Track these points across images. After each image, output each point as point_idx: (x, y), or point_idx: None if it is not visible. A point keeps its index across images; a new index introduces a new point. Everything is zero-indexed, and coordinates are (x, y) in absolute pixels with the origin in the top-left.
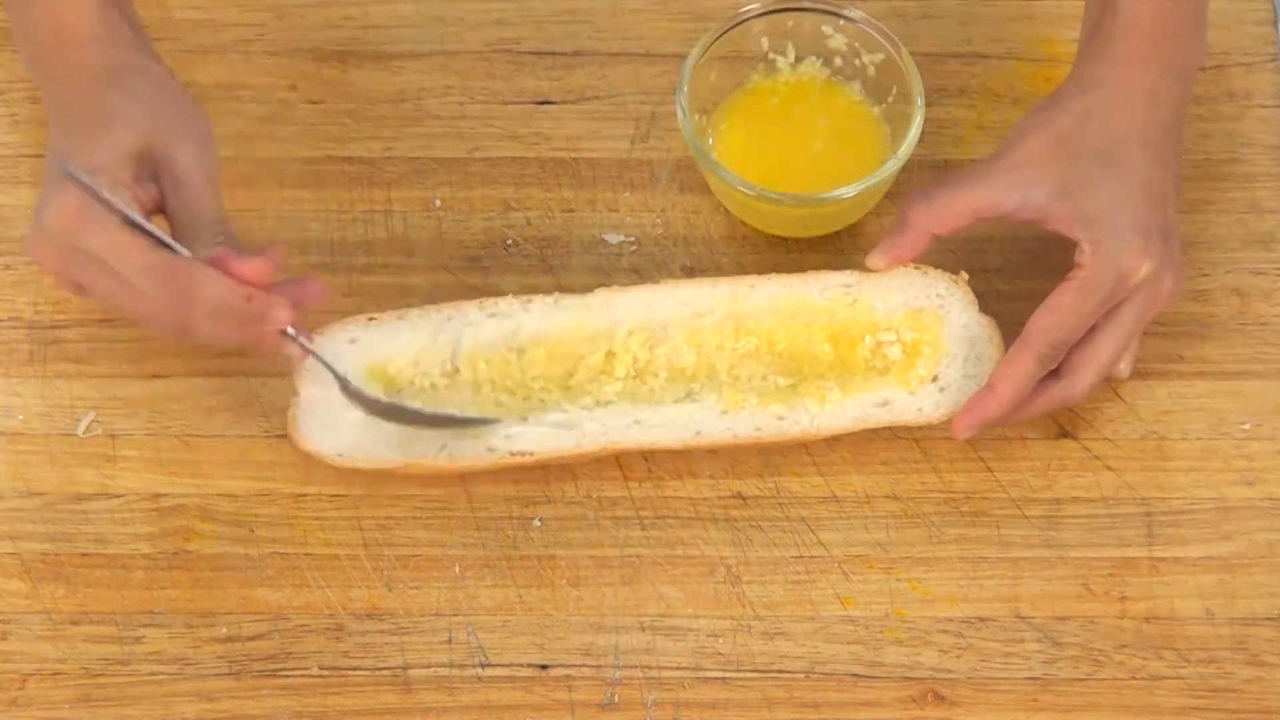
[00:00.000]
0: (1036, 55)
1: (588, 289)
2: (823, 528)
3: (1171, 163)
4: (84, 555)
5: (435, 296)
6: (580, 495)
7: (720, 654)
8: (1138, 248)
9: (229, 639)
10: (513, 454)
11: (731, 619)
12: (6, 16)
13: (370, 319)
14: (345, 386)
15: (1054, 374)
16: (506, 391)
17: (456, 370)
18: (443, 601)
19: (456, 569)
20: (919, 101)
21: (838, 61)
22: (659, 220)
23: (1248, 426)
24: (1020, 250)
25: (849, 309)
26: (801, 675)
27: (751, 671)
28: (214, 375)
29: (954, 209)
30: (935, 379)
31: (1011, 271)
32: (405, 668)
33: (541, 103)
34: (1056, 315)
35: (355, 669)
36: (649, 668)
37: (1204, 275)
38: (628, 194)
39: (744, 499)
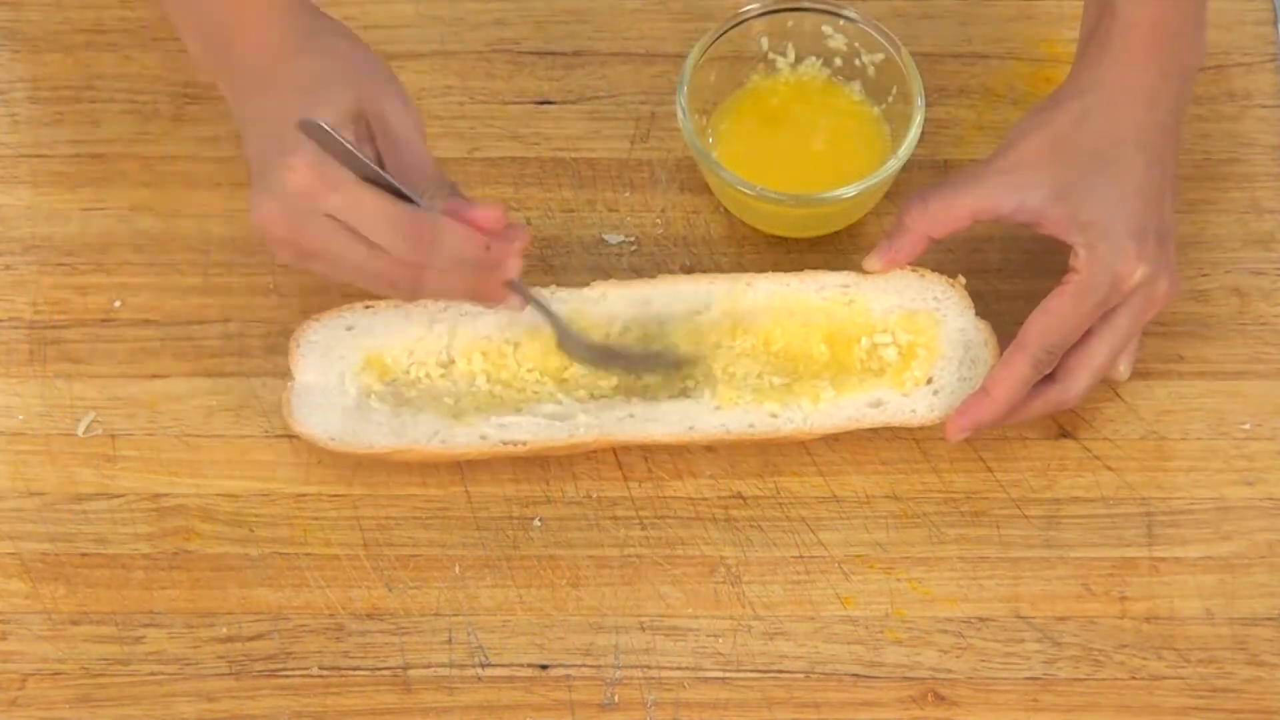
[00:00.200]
0: (1036, 55)
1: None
2: (823, 528)
3: (1169, 164)
4: (84, 555)
5: None
6: (580, 495)
7: (720, 654)
8: (1132, 252)
9: (229, 639)
10: (505, 443)
11: (731, 619)
12: (161, 14)
13: (368, 306)
14: (564, 335)
15: (1049, 378)
16: (501, 383)
17: (452, 361)
18: (443, 601)
19: (456, 569)
20: (919, 101)
21: (838, 61)
22: (659, 220)
23: (1248, 426)
24: (1020, 250)
25: (846, 310)
26: (801, 675)
27: (751, 671)
28: (214, 375)
29: (950, 212)
30: (930, 381)
31: (1011, 271)
32: (405, 668)
33: (541, 103)
34: (1051, 319)
35: (355, 669)
36: (649, 668)
37: (1204, 275)
38: (628, 194)
39: (744, 499)
